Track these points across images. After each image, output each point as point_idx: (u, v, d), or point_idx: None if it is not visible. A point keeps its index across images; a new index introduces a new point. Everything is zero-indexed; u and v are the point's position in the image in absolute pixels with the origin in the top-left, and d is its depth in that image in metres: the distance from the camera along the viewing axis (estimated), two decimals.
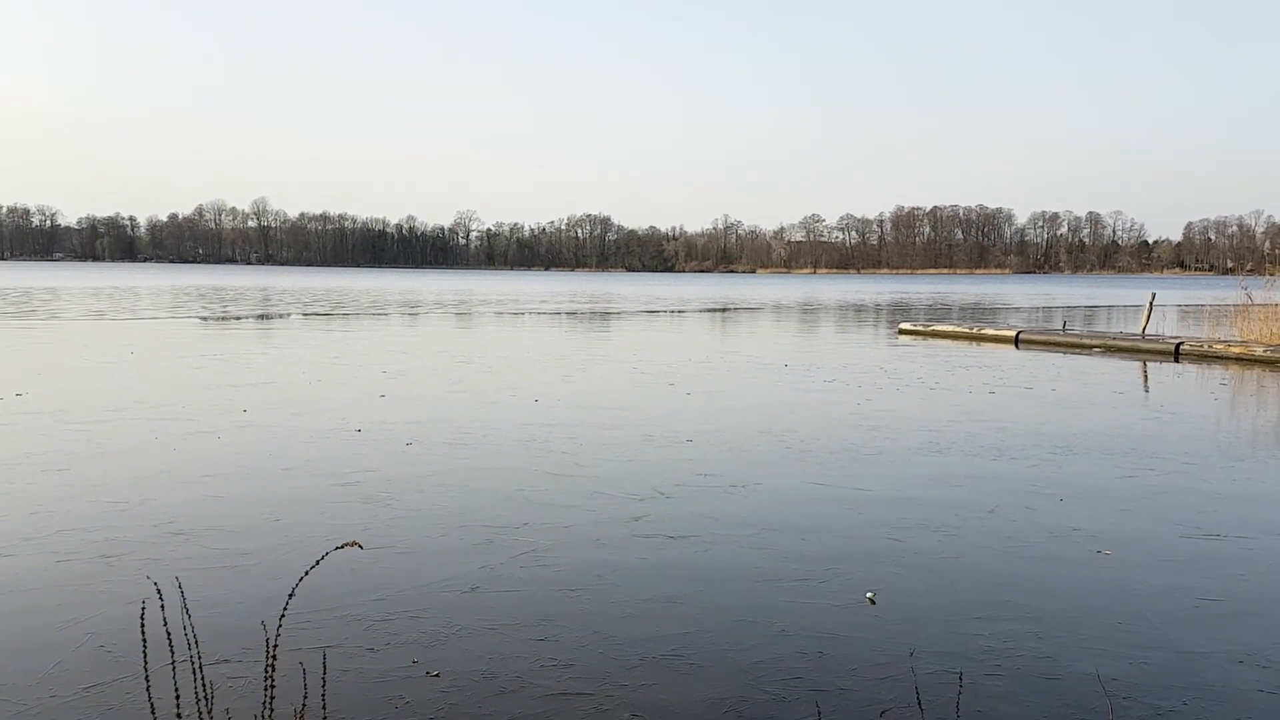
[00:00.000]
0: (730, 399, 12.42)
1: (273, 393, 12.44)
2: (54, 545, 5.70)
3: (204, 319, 29.08)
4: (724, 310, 41.06)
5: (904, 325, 26.61)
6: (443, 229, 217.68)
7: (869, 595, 4.94)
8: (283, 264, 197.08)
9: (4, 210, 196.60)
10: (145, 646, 2.75)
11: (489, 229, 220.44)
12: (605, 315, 35.30)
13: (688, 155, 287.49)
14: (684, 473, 7.88)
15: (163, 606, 2.74)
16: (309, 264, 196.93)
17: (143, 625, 2.71)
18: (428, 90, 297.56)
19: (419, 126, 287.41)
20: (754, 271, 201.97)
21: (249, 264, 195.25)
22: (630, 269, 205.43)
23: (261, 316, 31.13)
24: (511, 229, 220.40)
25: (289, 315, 32.15)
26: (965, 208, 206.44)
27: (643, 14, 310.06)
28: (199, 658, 2.82)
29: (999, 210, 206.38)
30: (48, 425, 9.75)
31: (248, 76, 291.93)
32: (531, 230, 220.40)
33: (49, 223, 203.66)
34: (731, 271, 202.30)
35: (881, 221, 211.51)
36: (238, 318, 30.12)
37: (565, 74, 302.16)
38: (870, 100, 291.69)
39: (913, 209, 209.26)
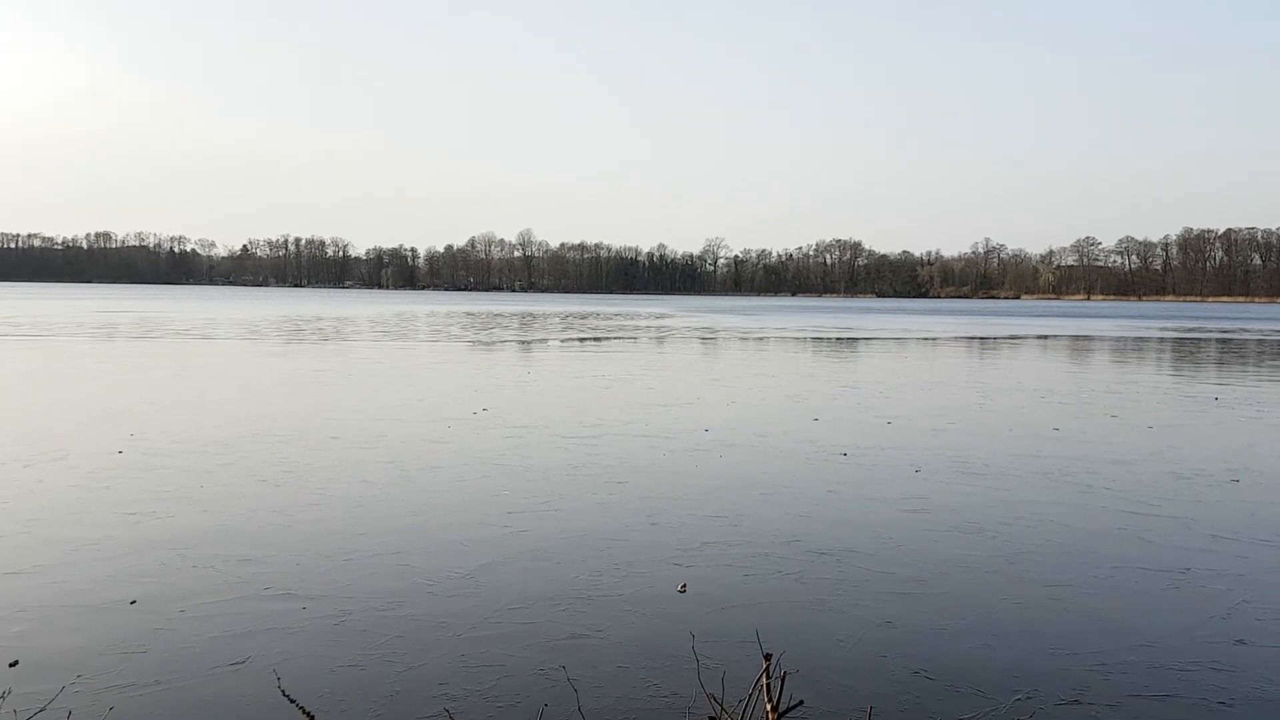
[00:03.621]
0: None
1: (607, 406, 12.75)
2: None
3: (581, 339, 30.92)
4: (1084, 338, 38.34)
5: None
6: (691, 256, 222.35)
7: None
8: (543, 291, 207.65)
9: (303, 242, 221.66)
10: None
11: (736, 255, 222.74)
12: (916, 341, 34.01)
13: (945, 176, 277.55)
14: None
15: None
16: (566, 290, 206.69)
17: None
18: (683, 123, 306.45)
19: (670, 160, 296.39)
20: (1018, 297, 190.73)
21: (513, 291, 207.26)
22: (880, 294, 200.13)
23: (595, 340, 32.67)
24: (759, 255, 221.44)
25: (623, 338, 33.52)
26: (1265, 230, 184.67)
27: (903, 40, 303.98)
28: None
29: None
30: (506, 432, 10.49)
31: (511, 124, 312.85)
32: (779, 256, 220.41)
33: (341, 253, 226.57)
34: (992, 297, 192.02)
35: (1167, 245, 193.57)
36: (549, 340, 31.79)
37: (817, 99, 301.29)
38: (1157, 117, 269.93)
39: (1203, 231, 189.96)
